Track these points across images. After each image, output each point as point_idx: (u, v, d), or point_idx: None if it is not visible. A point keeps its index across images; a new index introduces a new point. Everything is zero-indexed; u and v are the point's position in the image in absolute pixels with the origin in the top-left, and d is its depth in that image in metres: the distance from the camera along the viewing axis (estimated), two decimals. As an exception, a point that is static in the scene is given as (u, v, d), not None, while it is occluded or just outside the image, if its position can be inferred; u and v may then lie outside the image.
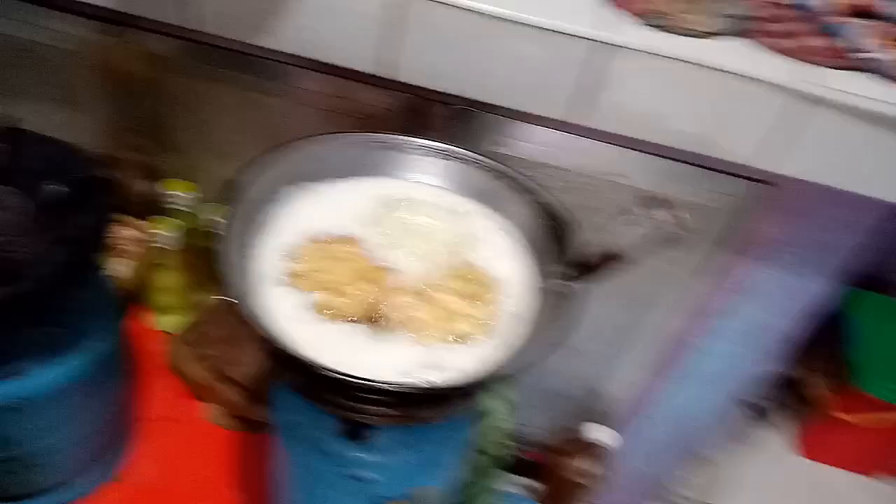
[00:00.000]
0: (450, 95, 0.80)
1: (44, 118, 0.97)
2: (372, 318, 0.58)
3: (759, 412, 1.63)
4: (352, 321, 0.57)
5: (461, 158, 0.69)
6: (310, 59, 0.80)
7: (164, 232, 0.91)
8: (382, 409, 0.54)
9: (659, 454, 1.31)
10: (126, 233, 0.98)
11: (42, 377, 0.66)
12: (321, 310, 0.57)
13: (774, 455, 1.71)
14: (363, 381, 0.48)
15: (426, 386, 0.53)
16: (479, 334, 0.59)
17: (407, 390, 0.52)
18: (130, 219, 1.00)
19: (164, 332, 0.99)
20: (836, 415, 1.59)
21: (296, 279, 0.59)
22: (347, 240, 0.63)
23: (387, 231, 0.65)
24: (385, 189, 0.69)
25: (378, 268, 0.61)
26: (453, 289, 0.61)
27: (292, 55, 0.80)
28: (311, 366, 0.49)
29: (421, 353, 0.56)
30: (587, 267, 0.59)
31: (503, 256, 0.66)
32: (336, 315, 0.57)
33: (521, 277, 0.65)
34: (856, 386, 1.53)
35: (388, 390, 0.50)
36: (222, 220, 0.55)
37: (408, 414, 0.55)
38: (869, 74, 0.76)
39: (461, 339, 0.58)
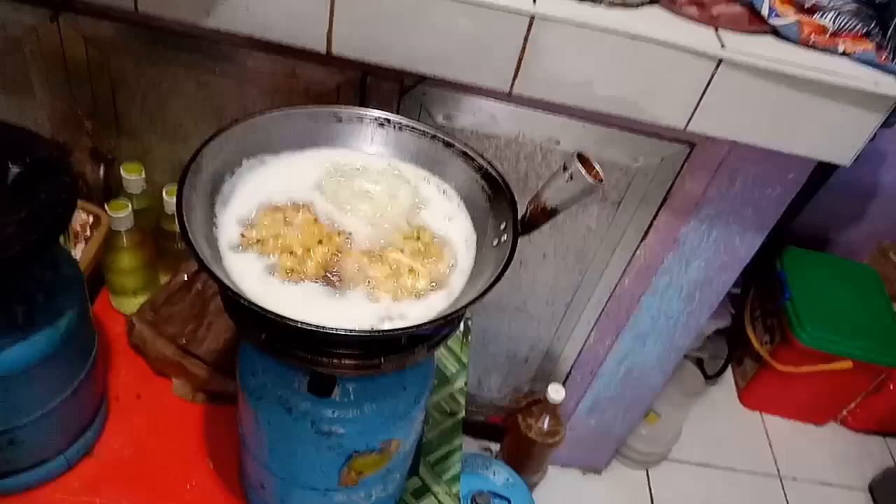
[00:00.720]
0: (391, 70, 0.83)
1: (-9, 107, 0.98)
2: (329, 278, 0.62)
3: (703, 366, 1.71)
4: (310, 281, 0.61)
5: (407, 128, 0.73)
6: (255, 39, 0.82)
7: (118, 214, 0.93)
8: (346, 361, 0.59)
9: (610, 409, 1.38)
10: (82, 217, 1.00)
11: (11, 355, 0.67)
12: (282, 272, 0.61)
13: (718, 406, 1.80)
14: (329, 331, 0.52)
15: (384, 329, 0.57)
16: (429, 288, 0.63)
17: (368, 336, 0.56)
18: (85, 203, 1.01)
19: (124, 313, 1.01)
20: (774, 366, 1.68)
21: (255, 244, 0.62)
22: (302, 207, 0.67)
23: (340, 198, 0.69)
24: (337, 159, 0.73)
25: (333, 232, 0.65)
26: (403, 249, 0.66)
27: (237, 36, 0.82)
28: (278, 319, 0.52)
29: (377, 309, 0.61)
30: (522, 223, 0.64)
31: (449, 219, 0.71)
32: (295, 276, 0.61)
33: (466, 237, 0.70)
34: (792, 337, 1.61)
35: (350, 338, 0.54)
36: (182, 195, 0.58)
37: (370, 363, 0.59)
38: (772, 37, 0.82)
39: (412, 293, 0.63)
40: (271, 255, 0.62)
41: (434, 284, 0.64)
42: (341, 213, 0.68)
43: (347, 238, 0.65)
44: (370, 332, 0.56)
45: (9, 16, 0.89)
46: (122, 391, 0.94)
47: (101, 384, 0.89)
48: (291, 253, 0.62)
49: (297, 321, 0.52)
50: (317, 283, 0.61)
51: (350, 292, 0.62)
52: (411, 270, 0.64)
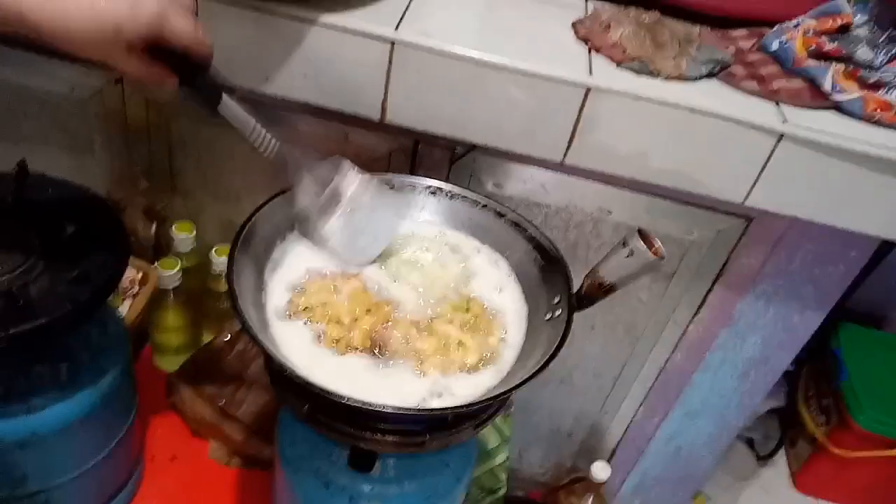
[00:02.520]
0: (443, 138, 0.83)
1: (53, 163, 1.00)
2: (376, 350, 0.60)
3: (754, 446, 1.63)
4: (357, 351, 0.59)
5: (458, 197, 0.73)
6: (310, 105, 0.83)
7: (166, 272, 0.94)
8: (389, 438, 0.56)
9: (656, 490, 1.32)
10: (130, 273, 1.01)
11: (52, 413, 0.67)
12: (328, 341, 0.59)
13: (770, 490, 1.71)
14: (375, 408, 0.50)
15: (431, 408, 0.55)
16: (479, 363, 0.61)
17: (412, 414, 0.54)
18: (134, 259, 1.02)
19: (166, 371, 1.01)
20: (830, 449, 1.60)
21: (303, 311, 0.61)
22: (351, 275, 0.66)
23: (391, 267, 0.68)
24: (416, 232, 0.72)
25: (381, 302, 0.64)
26: (452, 320, 0.64)
27: (293, 101, 0.83)
28: (323, 393, 0.51)
29: (424, 383, 0.59)
30: (578, 297, 0.62)
31: (499, 290, 0.69)
32: (341, 346, 0.59)
33: (517, 309, 0.68)
34: (850, 420, 1.54)
35: (394, 415, 0.52)
36: (234, 258, 0.58)
37: (414, 441, 0.57)
38: (834, 112, 0.80)
39: (461, 367, 0.61)
40: (318, 323, 0.61)
41: (484, 359, 0.61)
42: (390, 283, 0.66)
43: (396, 308, 0.64)
44: (417, 410, 0.54)
45: (79, 79, 0.93)
46: (158, 451, 0.93)
47: (138, 444, 0.88)
48: (339, 322, 0.61)
49: (344, 397, 0.50)
50: (363, 353, 0.60)
51: (397, 364, 0.60)
52: (461, 343, 0.62)
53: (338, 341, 0.59)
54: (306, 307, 0.61)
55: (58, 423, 0.69)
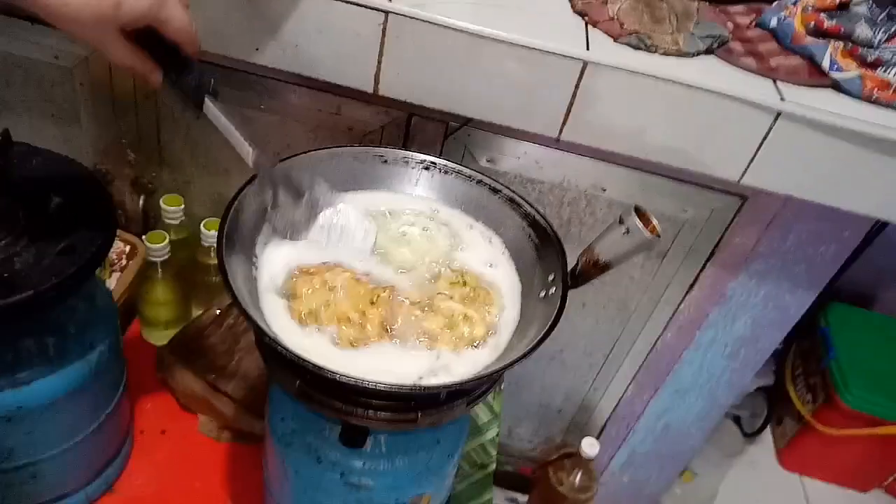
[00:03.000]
0: (437, 112, 0.82)
1: (38, 133, 0.99)
2: (387, 334, 0.60)
3: (741, 424, 1.65)
4: (375, 343, 0.59)
5: (453, 172, 0.72)
6: (301, 76, 0.82)
7: (155, 246, 0.92)
8: (381, 414, 0.56)
9: (645, 466, 1.33)
10: (118, 246, 0.99)
11: (39, 387, 0.66)
12: (344, 343, 0.58)
13: (758, 467, 1.73)
14: (368, 385, 0.50)
15: (422, 386, 0.55)
16: (487, 334, 0.61)
17: (404, 391, 0.54)
18: (122, 232, 1.01)
19: (155, 345, 1.00)
20: (816, 427, 1.61)
21: (309, 318, 0.60)
22: (335, 266, 0.64)
23: (377, 245, 0.67)
24: (378, 201, 0.71)
25: (378, 288, 0.63)
26: (453, 295, 0.64)
27: (284, 72, 0.82)
28: (312, 368, 0.50)
29: (425, 360, 0.58)
30: (572, 275, 0.62)
31: (491, 264, 0.68)
32: (360, 343, 0.59)
33: (511, 286, 0.67)
34: (837, 398, 1.55)
35: (385, 392, 0.52)
36: (224, 233, 0.57)
37: (406, 417, 0.56)
38: (832, 91, 0.80)
39: (472, 342, 0.61)
40: (330, 326, 0.59)
41: (488, 330, 0.61)
42: (378, 263, 0.66)
43: (395, 292, 0.63)
44: (409, 388, 0.54)
45: (63, 47, 0.90)
46: (148, 426, 0.92)
47: (127, 418, 0.87)
48: (348, 321, 0.60)
49: (336, 373, 0.50)
50: (382, 343, 0.59)
51: (408, 345, 0.60)
52: (466, 317, 0.62)
53: (355, 341, 0.59)
54: (310, 311, 0.60)
55: (45, 397, 0.68)
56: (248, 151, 0.61)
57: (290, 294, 0.61)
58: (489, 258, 0.69)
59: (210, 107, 0.60)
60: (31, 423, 0.68)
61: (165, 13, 0.53)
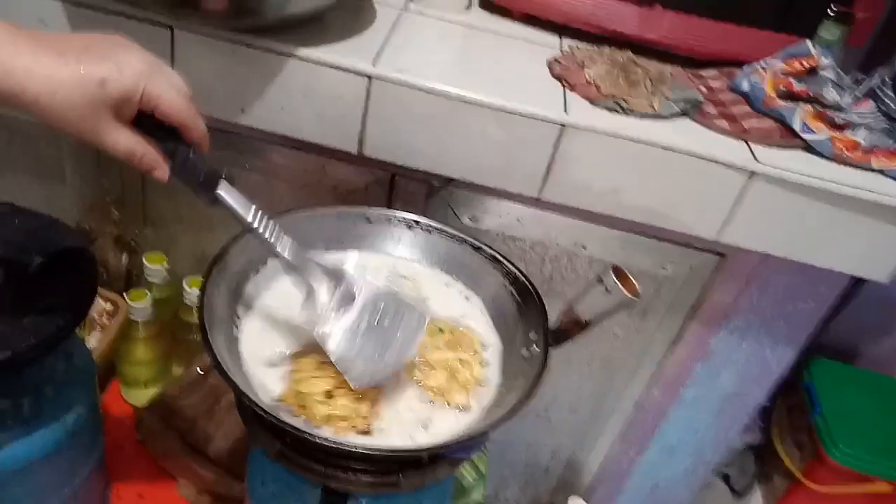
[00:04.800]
0: (420, 172, 0.84)
1: (23, 191, 1.00)
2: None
3: (730, 482, 1.63)
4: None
5: (436, 231, 0.72)
6: (286, 137, 0.83)
7: (137, 304, 0.92)
8: (362, 477, 0.55)
9: (633, 526, 1.30)
10: (100, 304, 0.99)
11: (12, 451, 0.64)
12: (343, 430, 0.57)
13: (747, 525, 1.70)
14: (343, 446, 0.49)
15: (403, 449, 0.54)
16: (482, 373, 0.62)
17: (385, 454, 0.53)
18: (104, 290, 1.00)
19: (135, 405, 0.98)
20: (805, 484, 1.59)
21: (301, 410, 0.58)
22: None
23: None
24: (360, 261, 0.72)
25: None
26: (439, 345, 0.64)
27: (269, 133, 0.83)
28: (290, 430, 0.50)
29: (415, 417, 0.58)
30: (554, 334, 0.62)
31: (475, 325, 0.69)
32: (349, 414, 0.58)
33: (492, 345, 0.67)
34: (824, 454, 1.54)
35: (366, 455, 0.51)
36: (205, 292, 0.57)
37: (387, 481, 0.55)
38: (804, 151, 0.82)
39: (478, 382, 0.62)
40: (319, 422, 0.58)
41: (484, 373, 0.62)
42: None
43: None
44: (389, 451, 0.53)
45: (50, 107, 0.91)
46: (125, 489, 0.89)
47: (103, 483, 0.85)
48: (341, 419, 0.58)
49: (314, 435, 0.49)
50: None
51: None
52: (462, 361, 0.62)
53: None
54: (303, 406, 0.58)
55: (18, 461, 0.66)
56: (275, 233, 0.57)
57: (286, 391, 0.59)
58: (472, 319, 0.69)
59: (225, 191, 0.56)
60: (2, 488, 0.66)
61: (155, 89, 0.51)
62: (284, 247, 0.58)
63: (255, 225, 0.57)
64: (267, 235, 0.57)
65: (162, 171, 0.54)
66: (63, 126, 0.49)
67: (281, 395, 0.58)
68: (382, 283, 0.66)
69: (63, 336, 0.63)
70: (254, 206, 0.57)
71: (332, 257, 0.62)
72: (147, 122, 0.52)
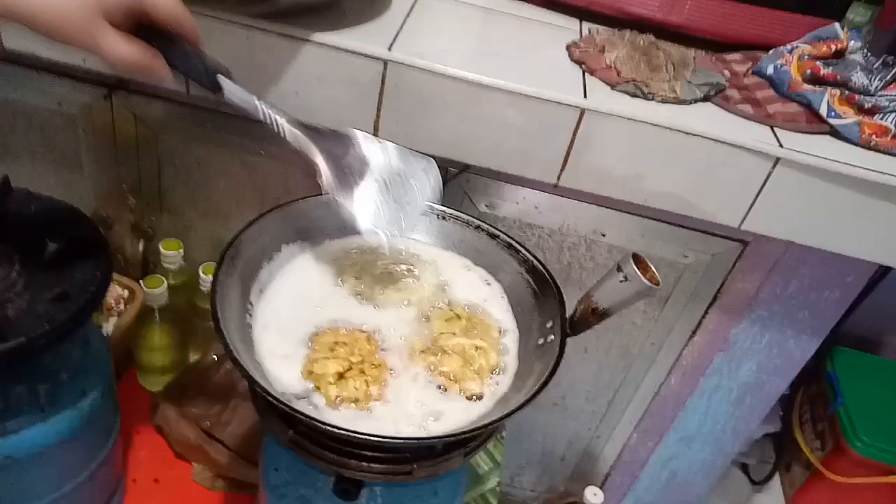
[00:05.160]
0: (437, 158, 0.82)
1: (40, 179, 1.00)
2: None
3: (749, 472, 1.61)
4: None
5: (451, 218, 0.72)
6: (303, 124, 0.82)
7: (153, 291, 0.92)
8: (375, 465, 0.55)
9: (650, 516, 1.30)
10: (117, 291, 0.99)
11: (29, 436, 0.65)
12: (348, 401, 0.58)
13: (766, 516, 1.69)
14: (355, 435, 0.49)
15: (416, 438, 0.54)
16: (498, 359, 0.62)
17: (398, 444, 0.53)
18: (121, 277, 1.01)
19: (150, 390, 0.99)
20: (826, 475, 1.57)
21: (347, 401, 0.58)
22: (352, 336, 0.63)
23: (368, 296, 0.67)
24: (361, 242, 0.71)
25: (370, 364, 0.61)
26: (455, 331, 0.63)
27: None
28: (304, 418, 0.49)
29: (428, 405, 0.58)
30: (571, 323, 0.61)
31: (494, 311, 0.68)
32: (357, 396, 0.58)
33: (510, 332, 0.66)
34: (846, 445, 1.52)
35: (379, 444, 0.51)
36: (218, 280, 0.57)
37: (401, 469, 0.55)
38: (830, 137, 0.80)
39: (493, 370, 0.61)
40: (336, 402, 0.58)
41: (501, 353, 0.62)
42: (374, 313, 0.65)
43: (398, 349, 0.62)
44: (402, 439, 0.53)
45: (67, 94, 0.91)
46: (141, 474, 0.90)
47: (119, 467, 0.85)
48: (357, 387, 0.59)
49: (326, 423, 0.48)
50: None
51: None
52: (478, 348, 0.61)
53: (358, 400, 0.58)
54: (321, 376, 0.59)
55: (35, 446, 0.66)
56: (281, 122, 0.59)
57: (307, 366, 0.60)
58: (490, 307, 0.68)
59: (228, 86, 0.58)
60: (18, 473, 0.67)
61: None
62: (288, 130, 0.59)
63: (259, 111, 0.59)
64: (269, 121, 0.59)
65: (165, 72, 0.54)
66: (60, 35, 0.49)
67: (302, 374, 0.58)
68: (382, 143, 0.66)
69: (78, 323, 0.63)
70: (256, 100, 0.59)
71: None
72: (138, 29, 0.52)
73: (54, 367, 0.67)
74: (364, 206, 0.60)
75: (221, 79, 0.57)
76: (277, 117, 0.59)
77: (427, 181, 0.63)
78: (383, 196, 0.61)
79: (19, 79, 0.90)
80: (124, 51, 0.51)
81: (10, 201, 0.69)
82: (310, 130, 0.59)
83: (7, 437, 0.64)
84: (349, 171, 0.61)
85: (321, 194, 0.68)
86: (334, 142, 0.61)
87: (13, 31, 0.79)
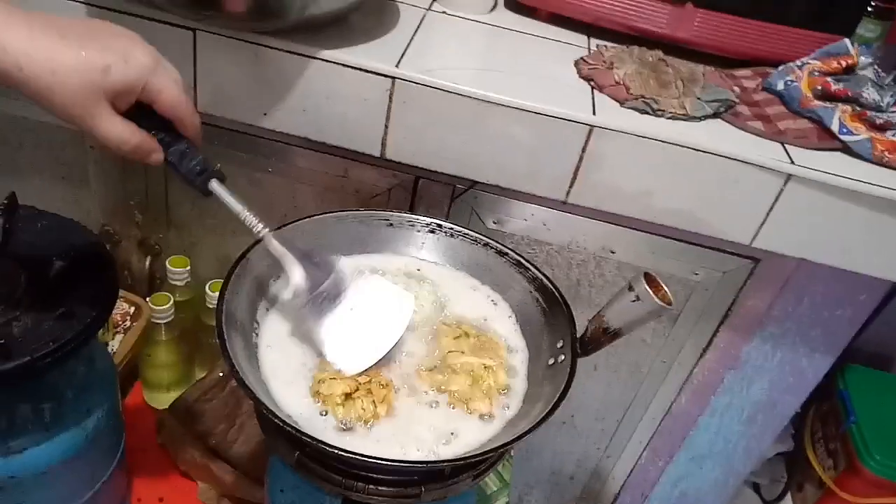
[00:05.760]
0: (444, 174, 0.82)
1: (47, 195, 1.00)
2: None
3: (760, 491, 1.59)
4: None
5: (459, 235, 0.71)
6: (309, 140, 0.82)
7: (160, 307, 0.92)
8: (382, 489, 0.54)
9: (660, 536, 1.28)
10: (123, 307, 0.99)
11: (32, 455, 0.64)
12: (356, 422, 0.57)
13: (779, 537, 1.66)
14: (362, 458, 0.48)
15: (424, 462, 0.53)
16: (506, 379, 0.61)
17: (406, 467, 0.52)
18: (127, 293, 1.00)
19: (156, 408, 0.98)
20: (839, 494, 1.55)
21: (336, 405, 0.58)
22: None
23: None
24: (381, 265, 0.70)
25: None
26: (464, 350, 0.63)
27: (292, 135, 0.82)
28: (310, 440, 0.48)
29: (438, 429, 0.57)
30: (582, 343, 0.60)
31: (502, 330, 0.67)
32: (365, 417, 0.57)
33: (519, 352, 0.65)
34: (859, 464, 1.49)
35: (387, 467, 0.50)
36: (224, 299, 0.56)
37: (408, 493, 0.54)
38: (842, 154, 0.79)
39: (501, 390, 0.61)
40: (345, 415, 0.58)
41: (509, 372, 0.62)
42: None
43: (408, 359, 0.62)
44: (412, 462, 0.52)
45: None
46: (145, 493, 0.89)
47: (124, 486, 0.85)
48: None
49: (333, 446, 0.48)
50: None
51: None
52: (486, 367, 0.60)
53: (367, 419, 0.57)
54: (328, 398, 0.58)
55: (38, 465, 0.66)
56: (263, 231, 0.59)
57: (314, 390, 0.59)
58: (498, 327, 0.68)
59: (217, 189, 0.58)
60: (22, 493, 0.66)
61: (157, 83, 0.51)
62: (269, 239, 0.59)
63: (247, 221, 0.59)
64: (255, 229, 0.59)
65: (157, 154, 0.54)
66: (57, 109, 0.49)
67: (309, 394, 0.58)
68: (373, 274, 0.67)
69: (84, 341, 0.62)
70: (243, 207, 0.59)
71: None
72: (138, 112, 0.52)
73: (59, 386, 0.67)
74: (330, 335, 0.61)
75: (214, 185, 0.58)
76: (262, 228, 0.59)
77: (400, 319, 0.62)
78: (352, 328, 0.61)
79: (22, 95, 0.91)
80: (119, 136, 0.51)
81: (17, 218, 0.69)
82: (294, 249, 0.60)
83: (11, 457, 0.63)
84: (325, 297, 0.61)
85: (327, 213, 0.68)
86: (316, 265, 0.61)
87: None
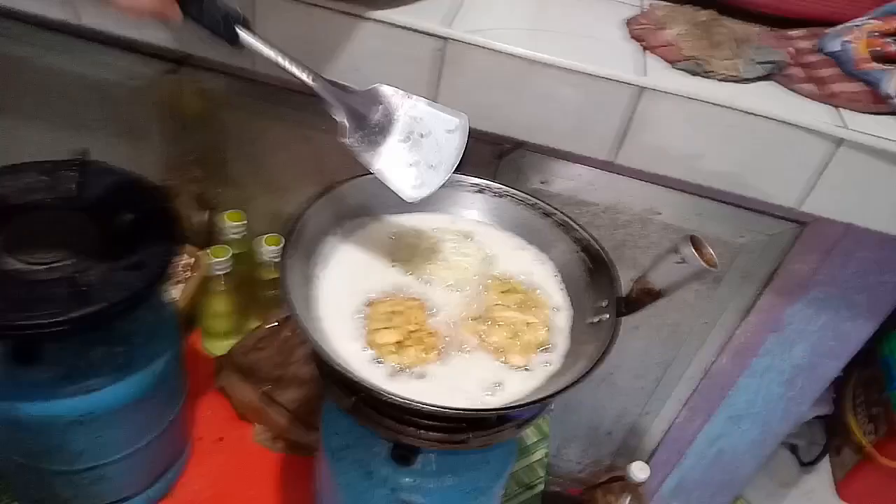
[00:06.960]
0: (492, 134, 0.83)
1: (111, 151, 1.03)
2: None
3: (798, 453, 1.60)
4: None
5: (506, 195, 0.73)
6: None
7: (219, 259, 0.96)
8: (432, 434, 0.57)
9: (696, 493, 1.30)
10: (182, 259, 1.03)
11: (108, 394, 0.70)
12: (407, 368, 0.60)
13: (813, 498, 1.67)
14: (414, 405, 0.51)
15: (473, 409, 0.56)
16: (547, 337, 0.63)
17: (455, 414, 0.55)
18: (186, 246, 1.05)
19: (214, 355, 1.04)
20: (878, 459, 1.55)
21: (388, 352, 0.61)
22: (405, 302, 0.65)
23: (415, 270, 0.69)
24: (430, 223, 0.73)
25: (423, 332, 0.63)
26: (509, 304, 0.65)
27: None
28: (365, 387, 0.52)
29: (483, 379, 0.60)
30: (625, 302, 0.62)
31: (548, 289, 0.69)
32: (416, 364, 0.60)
33: (563, 311, 0.68)
34: (899, 430, 1.49)
35: (436, 414, 0.53)
36: (285, 250, 0.59)
37: (455, 438, 0.57)
38: (895, 118, 0.78)
39: (540, 346, 0.63)
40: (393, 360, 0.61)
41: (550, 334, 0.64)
42: (424, 286, 0.67)
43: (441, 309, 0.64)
44: (461, 410, 0.55)
45: (137, 69, 0.95)
46: (206, 433, 0.95)
47: (187, 425, 0.90)
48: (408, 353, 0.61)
49: (387, 393, 0.51)
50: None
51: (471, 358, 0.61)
52: (528, 324, 0.63)
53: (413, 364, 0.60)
54: (383, 346, 0.61)
55: (113, 403, 0.71)
56: (305, 73, 0.57)
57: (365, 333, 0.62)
58: (543, 285, 0.70)
59: (245, 38, 0.55)
60: (99, 428, 0.72)
61: None
62: (313, 78, 0.58)
63: (281, 60, 0.57)
64: (294, 69, 0.57)
65: (173, 12, 0.52)
66: None
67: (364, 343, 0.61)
68: (414, 99, 0.64)
69: (152, 290, 0.67)
70: (277, 52, 0.57)
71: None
72: None
73: (130, 332, 0.72)
74: (390, 165, 0.60)
75: (240, 30, 0.54)
76: (300, 71, 0.57)
77: (457, 140, 0.62)
78: (411, 154, 0.61)
79: (92, 54, 0.94)
80: None
81: (89, 173, 0.73)
82: (334, 87, 0.59)
83: (89, 395, 0.69)
84: (376, 130, 0.60)
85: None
86: (360, 100, 0.60)
87: (90, 7, 0.82)
